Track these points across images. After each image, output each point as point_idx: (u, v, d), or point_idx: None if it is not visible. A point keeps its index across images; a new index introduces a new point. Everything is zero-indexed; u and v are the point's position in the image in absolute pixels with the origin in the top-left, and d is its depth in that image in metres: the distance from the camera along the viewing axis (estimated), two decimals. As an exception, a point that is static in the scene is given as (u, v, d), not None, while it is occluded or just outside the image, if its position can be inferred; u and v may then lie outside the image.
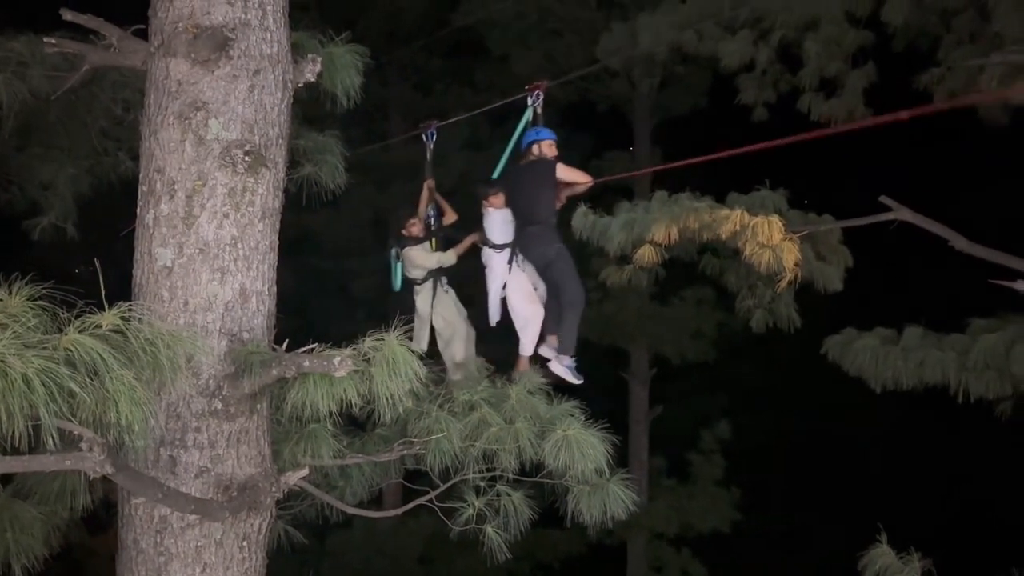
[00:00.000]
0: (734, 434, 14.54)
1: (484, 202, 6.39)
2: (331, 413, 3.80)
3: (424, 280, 6.58)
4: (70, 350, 2.60)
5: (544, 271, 6.20)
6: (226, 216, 3.98)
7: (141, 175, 4.09)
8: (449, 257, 6.58)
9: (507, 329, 6.43)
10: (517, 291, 6.32)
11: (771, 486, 16.16)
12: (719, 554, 14.35)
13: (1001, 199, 12.93)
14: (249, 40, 4.04)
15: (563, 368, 6.07)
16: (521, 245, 6.27)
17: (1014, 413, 7.01)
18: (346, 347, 3.66)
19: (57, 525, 3.99)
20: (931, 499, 15.02)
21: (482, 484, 4.84)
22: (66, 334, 2.63)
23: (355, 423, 4.70)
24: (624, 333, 13.59)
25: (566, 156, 6.36)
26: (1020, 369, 6.24)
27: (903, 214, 6.86)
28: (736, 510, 14.07)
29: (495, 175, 6.64)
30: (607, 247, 6.64)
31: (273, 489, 4.04)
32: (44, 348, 2.54)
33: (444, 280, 6.65)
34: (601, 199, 7.35)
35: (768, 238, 6.02)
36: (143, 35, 4.17)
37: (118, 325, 2.76)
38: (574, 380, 6.05)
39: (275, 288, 4.22)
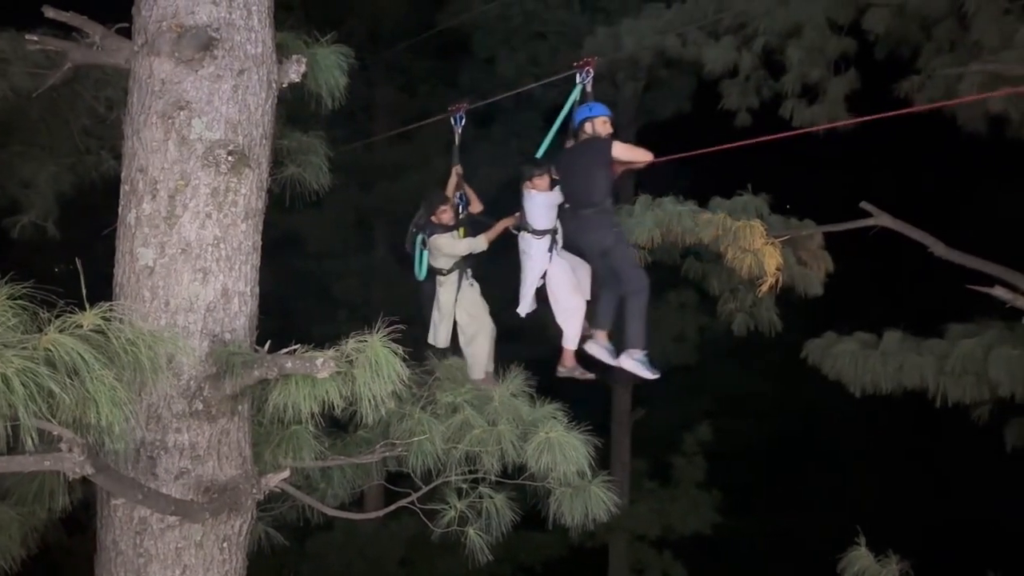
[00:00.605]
0: (716, 437, 14.59)
1: (527, 183, 5.89)
2: (313, 415, 3.78)
3: (450, 271, 6.24)
4: (50, 350, 2.58)
5: (599, 258, 5.78)
6: (209, 216, 3.95)
7: (123, 174, 4.06)
8: (480, 243, 6.19)
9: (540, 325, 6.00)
10: (560, 280, 5.89)
11: (752, 489, 16.26)
12: (700, 556, 14.41)
13: (982, 205, 13.08)
14: (233, 40, 4.02)
15: (634, 362, 5.66)
16: (574, 230, 5.79)
17: (991, 417, 7.11)
18: (328, 348, 3.65)
19: (35, 526, 3.98)
20: (910, 502, 15.14)
21: (464, 486, 4.84)
22: (46, 334, 2.61)
23: (337, 425, 4.67)
24: (607, 336, 13.59)
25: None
26: (997, 374, 6.31)
27: (883, 220, 6.94)
28: (717, 512, 14.14)
29: (538, 155, 6.18)
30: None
31: (254, 491, 4.03)
32: (24, 348, 2.52)
33: (469, 272, 6.31)
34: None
35: (750, 243, 6.09)
36: (127, 33, 4.14)
37: (99, 325, 2.74)
38: (649, 375, 5.67)
39: (257, 289, 4.20)
